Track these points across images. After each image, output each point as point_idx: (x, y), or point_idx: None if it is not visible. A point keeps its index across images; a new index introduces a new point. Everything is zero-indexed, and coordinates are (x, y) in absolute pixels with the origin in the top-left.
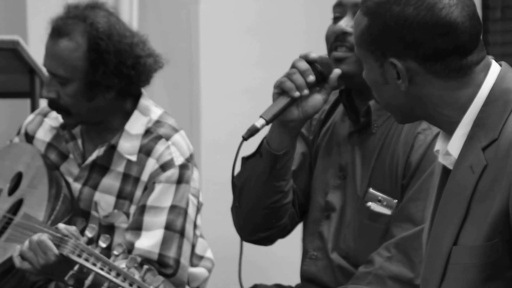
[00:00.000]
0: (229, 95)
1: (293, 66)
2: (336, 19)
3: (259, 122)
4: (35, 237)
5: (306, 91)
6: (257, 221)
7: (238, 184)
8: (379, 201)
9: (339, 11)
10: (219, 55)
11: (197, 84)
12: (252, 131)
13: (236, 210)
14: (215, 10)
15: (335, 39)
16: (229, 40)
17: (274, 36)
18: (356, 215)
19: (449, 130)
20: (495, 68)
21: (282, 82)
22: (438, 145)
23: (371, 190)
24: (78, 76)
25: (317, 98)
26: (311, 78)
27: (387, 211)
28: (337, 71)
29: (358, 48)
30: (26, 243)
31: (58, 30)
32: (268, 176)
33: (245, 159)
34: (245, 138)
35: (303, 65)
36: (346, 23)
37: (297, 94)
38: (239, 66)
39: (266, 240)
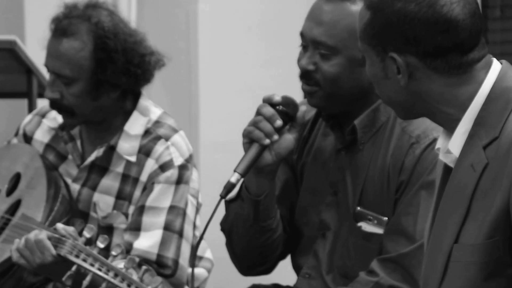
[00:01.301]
0: (227, 95)
1: (258, 113)
2: (304, 48)
3: (234, 177)
4: (32, 235)
5: (275, 137)
6: (252, 259)
7: (226, 227)
8: (369, 220)
9: (304, 41)
10: (217, 55)
11: (195, 84)
12: (229, 188)
13: (230, 250)
14: (214, 10)
15: (300, 76)
16: (228, 40)
17: (272, 36)
18: (349, 235)
19: (449, 128)
20: (496, 67)
21: (250, 132)
22: (439, 143)
23: (359, 209)
24: (84, 75)
25: (288, 138)
26: (278, 122)
27: (379, 230)
28: (302, 109)
29: (361, 42)
30: (22, 241)
31: (62, 30)
32: (254, 219)
33: (227, 203)
34: (223, 196)
35: (268, 110)
36: (307, 61)
37: (267, 141)
38: (238, 66)
39: (266, 271)
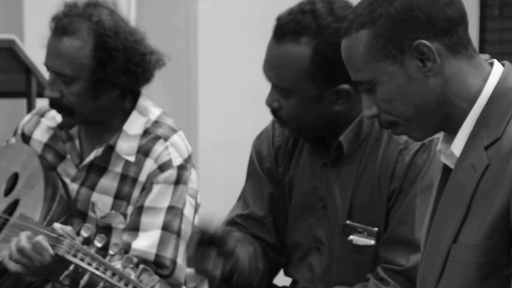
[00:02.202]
0: (227, 95)
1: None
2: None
3: None
4: (24, 242)
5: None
6: None
7: None
8: (359, 232)
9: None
10: (217, 54)
11: (195, 83)
12: None
13: None
14: (214, 9)
15: (270, 110)
16: (228, 39)
17: None
18: (342, 249)
19: (454, 129)
20: (498, 67)
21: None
22: (440, 145)
23: (348, 222)
24: (85, 74)
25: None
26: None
27: (370, 241)
28: (231, 245)
29: (366, 67)
30: (14, 250)
31: (63, 29)
32: None
33: None
34: None
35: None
36: (270, 100)
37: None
38: (238, 66)
39: None
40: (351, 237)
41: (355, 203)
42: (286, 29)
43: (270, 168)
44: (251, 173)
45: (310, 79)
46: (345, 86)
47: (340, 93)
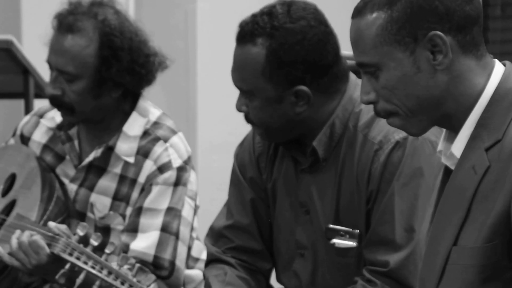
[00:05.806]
0: (226, 96)
1: None
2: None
3: None
4: (25, 237)
5: None
6: None
7: None
8: (341, 235)
9: None
10: (216, 55)
11: (193, 84)
12: None
13: None
14: (213, 9)
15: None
16: (227, 40)
17: None
18: (326, 253)
19: (454, 128)
20: (499, 68)
21: None
22: (440, 146)
23: (330, 226)
24: (88, 73)
25: None
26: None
27: (353, 243)
28: None
29: (374, 50)
30: (15, 243)
31: (68, 26)
32: None
33: None
34: None
35: None
36: (238, 104)
37: None
38: None
39: None
40: (334, 240)
41: (337, 207)
42: (245, 31)
43: (252, 177)
44: (234, 182)
45: (267, 79)
46: (303, 87)
47: (298, 94)
